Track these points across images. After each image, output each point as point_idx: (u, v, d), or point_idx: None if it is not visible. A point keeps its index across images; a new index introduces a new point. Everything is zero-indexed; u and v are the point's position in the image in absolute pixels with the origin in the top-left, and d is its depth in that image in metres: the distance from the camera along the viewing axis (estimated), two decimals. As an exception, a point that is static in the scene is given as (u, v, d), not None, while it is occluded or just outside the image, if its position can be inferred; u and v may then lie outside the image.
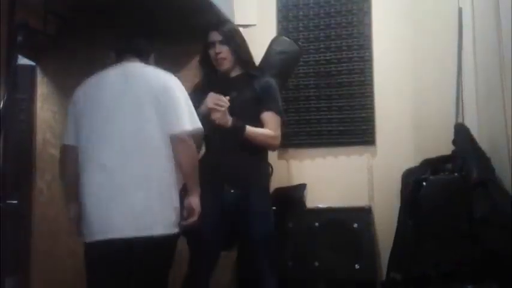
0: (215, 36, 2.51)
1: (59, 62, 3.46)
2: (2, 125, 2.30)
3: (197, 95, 2.44)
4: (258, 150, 2.51)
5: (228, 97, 2.37)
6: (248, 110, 2.47)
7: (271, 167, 2.80)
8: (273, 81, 2.56)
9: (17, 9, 2.52)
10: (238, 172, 2.45)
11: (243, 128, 2.39)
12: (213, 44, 2.50)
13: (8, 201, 2.34)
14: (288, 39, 3.04)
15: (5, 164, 2.29)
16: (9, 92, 2.36)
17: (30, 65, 3.52)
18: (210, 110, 2.36)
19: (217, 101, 2.35)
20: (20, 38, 2.49)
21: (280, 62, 2.89)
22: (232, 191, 2.44)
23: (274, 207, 3.07)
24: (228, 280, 3.10)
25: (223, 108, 2.34)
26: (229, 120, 2.37)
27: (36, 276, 3.33)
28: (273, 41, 2.98)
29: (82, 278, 2.93)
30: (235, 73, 2.55)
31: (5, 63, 2.42)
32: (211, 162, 2.44)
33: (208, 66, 2.57)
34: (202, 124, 2.25)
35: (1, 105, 2.30)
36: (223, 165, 2.45)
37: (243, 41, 2.58)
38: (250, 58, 2.59)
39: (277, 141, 2.51)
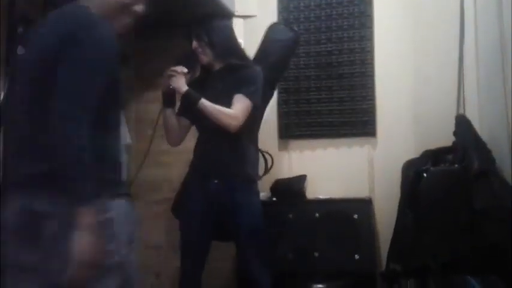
0: (194, 44, 2.54)
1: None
2: (2, 117, 2.30)
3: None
4: (242, 139, 2.51)
5: (187, 71, 2.46)
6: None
7: (272, 158, 2.81)
8: (256, 70, 2.55)
9: (17, 1, 2.52)
10: (221, 162, 2.47)
11: (198, 99, 2.40)
12: (193, 37, 2.54)
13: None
14: (283, 26, 3.02)
15: (6, 156, 2.30)
16: (9, 84, 2.36)
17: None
18: (168, 78, 2.44)
19: (174, 69, 2.44)
20: (20, 29, 2.49)
21: (276, 50, 2.87)
22: (216, 181, 2.46)
23: (274, 198, 3.11)
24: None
25: (179, 73, 2.43)
26: (183, 86, 2.42)
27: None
28: (268, 29, 2.96)
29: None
30: (218, 66, 2.56)
31: (5, 54, 2.42)
32: (198, 152, 2.54)
33: (194, 61, 2.58)
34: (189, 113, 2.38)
35: (2, 97, 2.31)
36: (207, 155, 2.51)
37: (224, 35, 2.57)
38: (231, 50, 2.57)
39: (236, 122, 2.41)
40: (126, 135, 3.20)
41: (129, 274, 1.63)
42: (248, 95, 2.46)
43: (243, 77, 2.51)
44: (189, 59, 2.55)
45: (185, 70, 2.46)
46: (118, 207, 1.54)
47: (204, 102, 2.40)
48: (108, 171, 1.54)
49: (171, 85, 2.45)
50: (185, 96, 2.43)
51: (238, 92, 2.45)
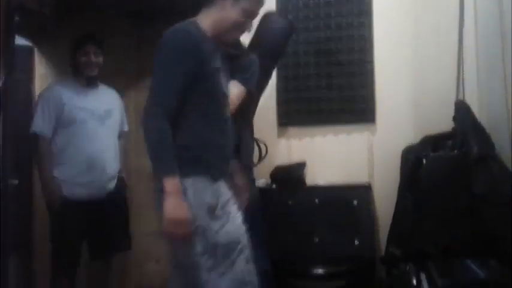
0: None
1: (56, 42, 3.45)
2: (1, 106, 2.30)
3: None
4: (236, 124, 2.48)
5: None
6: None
7: (266, 147, 2.81)
8: (252, 58, 2.53)
9: (13, -11, 2.50)
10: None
11: None
12: None
13: (9, 181, 2.36)
14: (278, 15, 3.00)
15: (4, 145, 2.30)
16: (7, 73, 2.36)
17: (28, 46, 3.51)
18: None
19: None
20: (16, 19, 2.48)
21: (271, 38, 2.86)
22: None
23: (274, 185, 3.11)
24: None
25: None
26: None
27: (39, 254, 3.38)
28: (263, 18, 2.94)
29: (83, 254, 2.99)
30: None
31: (3, 44, 2.41)
32: None
33: None
34: None
35: (0, 84, 2.31)
36: None
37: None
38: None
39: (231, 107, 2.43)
40: (124, 123, 3.21)
41: (213, 240, 1.86)
42: (242, 81, 2.45)
43: (239, 65, 2.50)
44: None
45: None
46: (195, 182, 1.86)
47: None
48: (201, 152, 1.90)
49: None
50: None
51: (233, 78, 2.45)
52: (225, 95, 2.04)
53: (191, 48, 1.89)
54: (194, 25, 1.96)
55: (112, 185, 2.99)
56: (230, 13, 1.94)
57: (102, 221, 2.95)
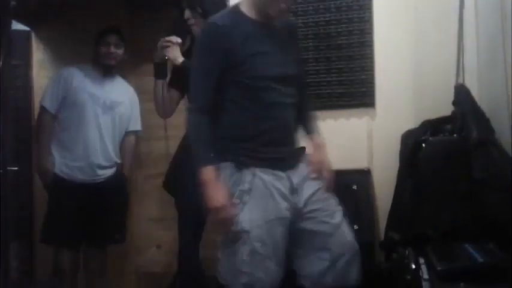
0: (187, 14, 2.49)
1: (54, 28, 3.43)
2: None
3: None
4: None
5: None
6: None
7: None
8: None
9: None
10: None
11: None
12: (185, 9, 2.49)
13: (9, 168, 2.36)
14: None
15: (3, 131, 2.29)
16: (4, 58, 2.34)
17: (26, 31, 3.49)
18: (162, 49, 2.44)
19: (168, 39, 2.45)
20: (13, 3, 2.46)
21: None
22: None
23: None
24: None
25: (173, 44, 2.43)
26: (179, 57, 2.42)
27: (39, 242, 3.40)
28: None
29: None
30: None
31: (-1, 29, 2.39)
32: None
33: (185, 32, 2.54)
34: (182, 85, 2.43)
35: (-3, 73, 2.29)
36: None
37: (217, 5, 2.50)
38: None
39: None
40: (136, 122, 3.21)
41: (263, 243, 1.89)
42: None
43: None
44: (180, 30, 2.51)
45: (179, 40, 2.43)
46: (223, 169, 1.93)
47: None
48: (230, 141, 1.96)
49: (166, 56, 2.42)
50: (182, 66, 2.40)
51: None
52: (274, 78, 1.98)
53: (215, 39, 1.92)
54: (233, 10, 2.00)
55: (106, 175, 3.01)
56: None
57: (94, 209, 2.97)
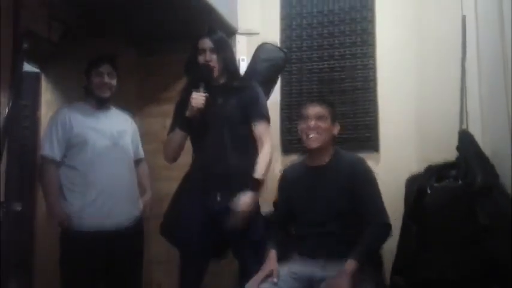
0: (206, 43, 2.54)
1: (63, 68, 3.49)
2: (7, 130, 2.31)
3: (183, 103, 2.54)
4: (248, 149, 2.51)
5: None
6: (233, 117, 2.51)
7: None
8: (257, 88, 2.60)
9: (22, 16, 2.55)
10: (229, 175, 2.45)
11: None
12: (203, 51, 2.53)
13: (13, 205, 2.35)
14: (273, 46, 3.03)
15: (9, 169, 2.30)
16: (14, 98, 2.38)
17: (35, 72, 3.55)
18: (197, 105, 2.45)
19: (201, 94, 2.47)
20: (25, 45, 2.52)
21: (264, 70, 2.90)
22: (219, 199, 2.45)
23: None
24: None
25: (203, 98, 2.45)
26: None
27: (40, 278, 3.34)
28: (258, 49, 2.98)
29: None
30: (221, 81, 2.58)
31: (11, 70, 2.44)
32: (201, 167, 2.53)
33: (195, 73, 2.57)
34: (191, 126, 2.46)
35: (6, 112, 2.32)
36: (212, 169, 2.48)
37: (232, 51, 2.66)
38: (236, 68, 2.66)
39: (272, 149, 2.58)
40: (139, 149, 3.16)
41: None
42: (263, 116, 2.55)
43: (252, 98, 2.54)
44: (196, 73, 2.56)
45: (207, 95, 2.47)
46: None
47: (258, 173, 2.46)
48: None
49: (198, 111, 2.46)
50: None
51: (259, 117, 2.52)
52: None
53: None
54: None
55: (128, 220, 2.74)
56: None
57: (113, 261, 2.69)
